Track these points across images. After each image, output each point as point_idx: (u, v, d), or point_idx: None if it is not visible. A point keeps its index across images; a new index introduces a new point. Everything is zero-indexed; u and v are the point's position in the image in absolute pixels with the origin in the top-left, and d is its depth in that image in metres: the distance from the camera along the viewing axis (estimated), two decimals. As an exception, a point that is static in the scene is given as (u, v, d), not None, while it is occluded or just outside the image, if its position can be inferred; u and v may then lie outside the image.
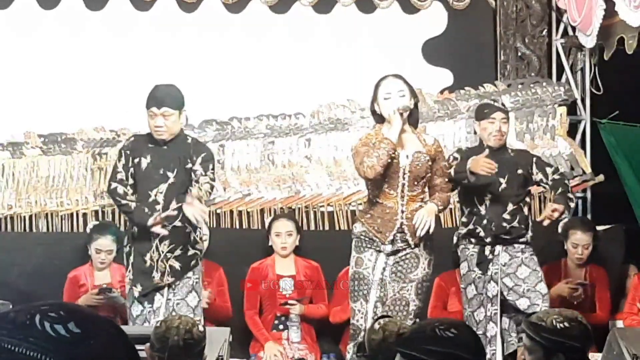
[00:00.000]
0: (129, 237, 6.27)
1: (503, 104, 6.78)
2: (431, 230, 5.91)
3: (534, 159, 6.60)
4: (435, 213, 6.00)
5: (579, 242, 7.22)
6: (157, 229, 6.05)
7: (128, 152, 6.20)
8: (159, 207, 6.13)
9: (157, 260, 6.21)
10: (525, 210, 6.52)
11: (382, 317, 4.54)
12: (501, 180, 6.40)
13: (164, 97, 6.14)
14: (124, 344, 1.49)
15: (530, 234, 6.48)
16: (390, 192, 5.96)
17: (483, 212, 6.49)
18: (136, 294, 6.20)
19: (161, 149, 6.17)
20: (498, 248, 6.44)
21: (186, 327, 4.61)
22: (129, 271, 6.25)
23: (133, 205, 6.13)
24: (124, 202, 6.16)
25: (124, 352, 1.48)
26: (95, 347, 1.43)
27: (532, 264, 6.44)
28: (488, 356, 6.40)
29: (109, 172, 6.61)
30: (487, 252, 6.46)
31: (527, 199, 6.59)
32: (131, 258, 6.23)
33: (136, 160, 6.17)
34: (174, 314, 6.10)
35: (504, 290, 6.40)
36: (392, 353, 4.07)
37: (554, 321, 4.00)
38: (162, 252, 6.23)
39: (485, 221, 6.47)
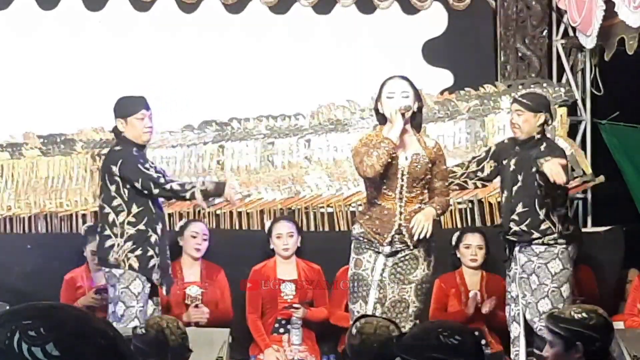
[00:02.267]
0: (144, 241, 6.27)
1: (527, 95, 6.56)
2: (428, 234, 5.87)
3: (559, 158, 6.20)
4: (433, 217, 5.95)
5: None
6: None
7: (143, 160, 6.35)
8: (164, 207, 6.46)
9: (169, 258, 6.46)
10: (542, 213, 6.20)
11: (360, 317, 4.52)
12: (518, 177, 6.25)
13: (144, 101, 6.36)
14: (114, 355, 1.44)
15: (552, 237, 6.20)
16: (388, 193, 5.93)
17: (502, 208, 6.45)
18: (165, 293, 6.42)
19: (145, 155, 6.42)
20: (516, 248, 6.30)
21: (174, 324, 4.63)
22: (154, 272, 6.30)
23: (198, 185, 6.28)
24: (189, 190, 6.24)
25: None
26: None
27: (544, 274, 6.21)
28: (512, 356, 6.38)
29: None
30: (507, 250, 6.38)
31: (548, 201, 6.20)
32: (153, 260, 6.28)
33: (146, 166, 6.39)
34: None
35: (521, 292, 6.29)
36: (372, 354, 4.09)
37: (572, 312, 4.04)
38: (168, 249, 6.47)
39: (501, 219, 6.43)
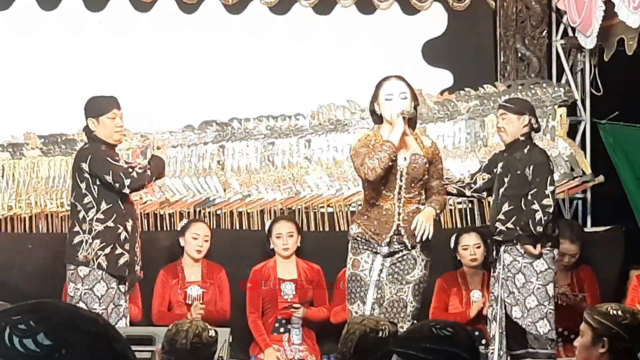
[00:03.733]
0: (114, 238, 6.31)
1: (510, 99, 6.87)
2: (430, 236, 5.89)
3: (533, 165, 6.31)
4: (433, 217, 5.98)
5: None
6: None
7: (112, 155, 6.43)
8: (135, 205, 6.61)
9: (139, 254, 6.48)
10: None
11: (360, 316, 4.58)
12: (505, 179, 6.37)
13: (116, 101, 6.44)
14: (106, 342, 1.46)
15: (537, 236, 6.30)
16: (387, 194, 5.95)
17: (490, 211, 6.61)
18: (127, 289, 6.40)
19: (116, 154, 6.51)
20: (501, 248, 6.40)
21: (195, 331, 4.63)
22: (124, 268, 6.34)
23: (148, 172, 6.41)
24: (142, 174, 6.36)
25: (106, 354, 1.46)
26: (68, 357, 1.42)
27: (530, 272, 6.31)
28: (489, 355, 6.42)
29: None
30: (494, 251, 6.48)
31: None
32: (124, 257, 6.31)
33: None
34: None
35: (506, 292, 6.39)
36: (352, 342, 4.16)
37: (609, 307, 4.05)
38: (139, 246, 6.49)
39: (489, 222, 6.56)
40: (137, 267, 6.47)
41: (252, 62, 8.32)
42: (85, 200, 6.33)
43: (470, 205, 8.00)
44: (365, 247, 5.99)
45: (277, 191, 8.01)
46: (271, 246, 7.34)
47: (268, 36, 8.41)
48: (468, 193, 6.69)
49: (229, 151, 8.09)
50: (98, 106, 6.40)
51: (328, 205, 8.06)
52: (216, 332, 4.83)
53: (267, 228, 7.47)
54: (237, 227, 7.96)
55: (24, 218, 7.84)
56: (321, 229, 8.02)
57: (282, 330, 7.23)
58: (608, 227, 8.04)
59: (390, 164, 5.82)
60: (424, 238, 5.87)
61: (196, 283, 7.20)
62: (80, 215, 6.33)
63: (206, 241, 7.24)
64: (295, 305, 7.14)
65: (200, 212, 7.92)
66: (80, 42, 8.24)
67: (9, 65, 8.21)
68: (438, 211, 6.06)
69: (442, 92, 8.36)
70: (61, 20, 8.24)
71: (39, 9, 8.20)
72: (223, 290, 7.26)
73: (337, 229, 7.97)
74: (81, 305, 6.17)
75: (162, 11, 8.30)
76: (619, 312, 4.02)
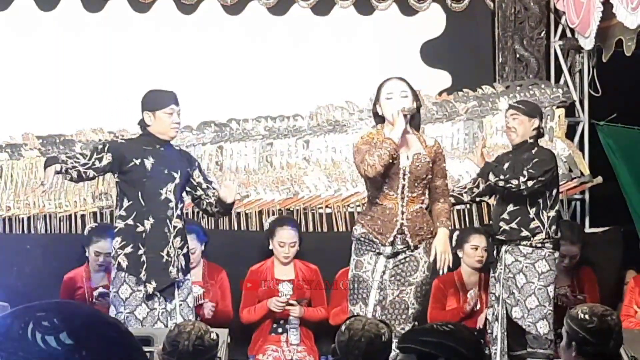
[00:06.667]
0: (134, 236, 6.12)
1: (521, 101, 6.92)
2: (451, 264, 5.97)
3: (535, 159, 6.37)
4: (448, 237, 6.03)
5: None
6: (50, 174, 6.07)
7: (119, 153, 6.15)
8: (172, 204, 6.18)
9: (173, 256, 6.20)
10: (532, 212, 6.39)
11: (351, 317, 4.58)
12: (514, 180, 6.37)
13: (175, 96, 6.23)
14: (125, 348, 1.48)
15: (540, 237, 6.36)
16: (390, 193, 5.95)
17: (494, 211, 6.66)
18: (150, 290, 6.11)
19: (159, 150, 6.21)
20: (503, 248, 6.43)
21: (198, 334, 4.62)
22: (142, 268, 6.12)
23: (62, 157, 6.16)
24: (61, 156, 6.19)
25: (123, 357, 1.48)
26: (88, 357, 1.43)
27: (531, 273, 6.36)
28: (492, 355, 6.44)
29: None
30: (495, 251, 6.52)
31: (539, 201, 6.41)
32: (142, 256, 6.11)
33: (137, 161, 6.14)
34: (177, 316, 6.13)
35: (506, 292, 6.41)
36: (360, 350, 4.17)
37: (579, 311, 4.07)
38: (176, 247, 6.22)
39: (492, 221, 6.61)
40: (172, 269, 6.16)
41: (251, 62, 8.32)
42: (115, 196, 6.29)
43: (468, 206, 8.00)
44: (368, 249, 6.00)
45: (276, 192, 8.02)
46: (270, 246, 7.32)
47: (267, 37, 8.41)
48: (466, 199, 6.69)
49: (227, 152, 8.10)
50: (156, 100, 6.19)
51: (326, 206, 8.07)
52: (217, 335, 4.82)
53: (267, 226, 7.43)
54: (236, 228, 7.96)
55: (23, 219, 7.84)
56: (319, 230, 8.02)
57: (280, 330, 7.22)
58: (606, 228, 8.05)
59: (390, 161, 5.83)
60: (445, 269, 5.95)
61: (197, 283, 7.18)
62: (115, 213, 6.25)
63: (193, 253, 7.17)
64: (291, 301, 7.12)
65: (198, 212, 7.90)
66: (78, 43, 8.24)
67: (7, 65, 8.21)
68: (450, 228, 6.11)
69: (440, 93, 8.36)
70: (60, 21, 8.24)
71: (37, 10, 8.20)
72: (225, 291, 7.25)
73: (336, 230, 7.98)
74: (111, 309, 6.13)
75: (160, 12, 8.30)
76: (587, 316, 4.03)
